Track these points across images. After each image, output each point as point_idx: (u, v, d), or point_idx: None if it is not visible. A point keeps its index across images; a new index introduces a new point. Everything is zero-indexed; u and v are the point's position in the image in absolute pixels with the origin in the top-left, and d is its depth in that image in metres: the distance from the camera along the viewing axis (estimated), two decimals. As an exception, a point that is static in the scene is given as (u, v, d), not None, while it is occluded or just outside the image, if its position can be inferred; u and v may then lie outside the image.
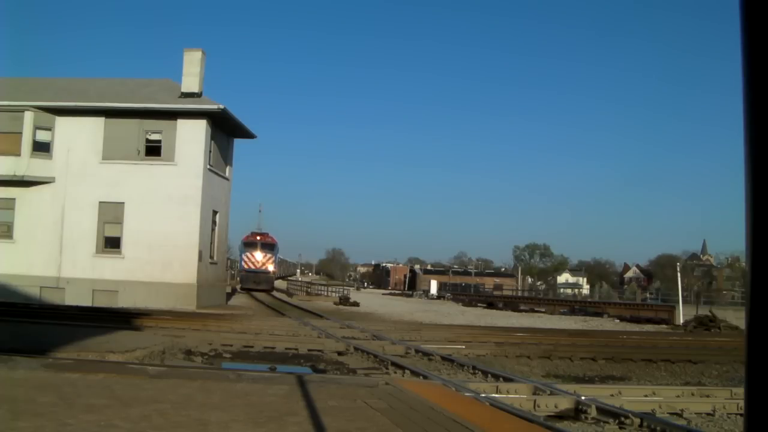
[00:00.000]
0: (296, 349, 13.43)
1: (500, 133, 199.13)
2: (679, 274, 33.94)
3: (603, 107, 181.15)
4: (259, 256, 46.17)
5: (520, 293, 68.22)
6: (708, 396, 9.34)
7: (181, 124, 26.65)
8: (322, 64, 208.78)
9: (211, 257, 28.74)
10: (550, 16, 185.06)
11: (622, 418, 7.36)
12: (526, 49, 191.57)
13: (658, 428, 6.98)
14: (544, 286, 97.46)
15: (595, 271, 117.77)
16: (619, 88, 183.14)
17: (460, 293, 65.65)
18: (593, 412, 7.71)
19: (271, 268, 46.99)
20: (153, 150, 26.81)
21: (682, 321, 28.28)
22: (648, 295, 64.08)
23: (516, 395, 8.64)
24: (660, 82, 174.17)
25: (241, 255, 48.43)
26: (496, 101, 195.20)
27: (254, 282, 45.17)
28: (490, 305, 44.65)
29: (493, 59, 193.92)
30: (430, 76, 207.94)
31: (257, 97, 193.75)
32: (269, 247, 47.84)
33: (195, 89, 27.62)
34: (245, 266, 46.79)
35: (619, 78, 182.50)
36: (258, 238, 47.82)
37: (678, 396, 9.26)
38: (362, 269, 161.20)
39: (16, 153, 26.28)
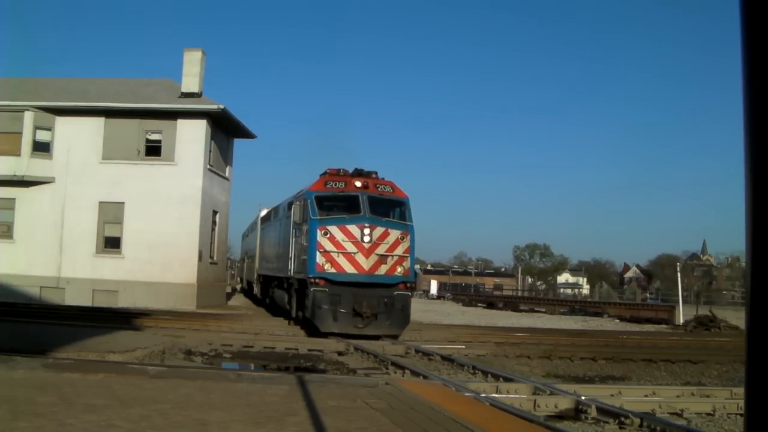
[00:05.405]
0: (296, 349, 13.42)
1: (500, 133, 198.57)
2: (679, 274, 33.94)
3: (603, 107, 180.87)
4: (366, 234, 15.45)
5: (520, 293, 68.34)
6: (708, 396, 9.33)
7: (181, 124, 26.67)
8: (322, 63, 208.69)
9: (211, 257, 28.75)
10: (550, 15, 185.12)
11: (622, 418, 7.35)
12: (527, 48, 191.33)
13: (658, 428, 6.98)
14: (544, 286, 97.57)
15: (595, 271, 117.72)
16: (619, 87, 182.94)
17: (460, 293, 65.68)
18: (593, 412, 7.70)
19: (400, 270, 15.79)
20: (153, 150, 26.82)
21: (682, 321, 28.27)
22: (648, 295, 64.24)
23: (516, 395, 8.63)
24: (660, 81, 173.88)
25: (308, 233, 15.84)
26: (496, 100, 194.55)
27: (356, 312, 15.32)
28: (490, 305, 44.63)
29: (493, 58, 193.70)
30: (431, 75, 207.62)
31: (257, 96, 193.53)
32: (395, 206, 16.78)
33: (195, 89, 27.63)
34: (322, 264, 15.34)
35: (619, 77, 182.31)
36: (358, 184, 16.30)
37: (678, 396, 9.25)
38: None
39: (16, 153, 26.29)
